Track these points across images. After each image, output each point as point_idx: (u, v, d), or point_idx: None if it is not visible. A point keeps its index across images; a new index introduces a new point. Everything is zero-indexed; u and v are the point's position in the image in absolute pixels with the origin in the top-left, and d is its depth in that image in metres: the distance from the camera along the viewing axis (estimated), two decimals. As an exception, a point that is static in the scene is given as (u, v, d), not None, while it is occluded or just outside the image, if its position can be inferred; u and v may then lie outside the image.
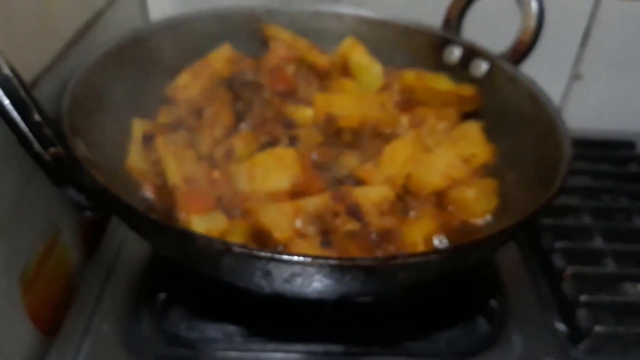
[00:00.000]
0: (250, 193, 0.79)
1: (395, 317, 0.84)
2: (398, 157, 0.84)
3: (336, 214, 0.76)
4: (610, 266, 0.92)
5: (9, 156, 0.69)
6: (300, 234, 0.74)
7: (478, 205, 0.81)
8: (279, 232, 0.74)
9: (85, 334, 0.81)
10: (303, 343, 0.80)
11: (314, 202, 0.76)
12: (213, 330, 0.81)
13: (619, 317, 0.85)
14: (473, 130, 0.89)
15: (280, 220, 0.75)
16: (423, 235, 0.75)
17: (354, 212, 0.77)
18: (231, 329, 0.81)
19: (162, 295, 0.83)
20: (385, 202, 0.78)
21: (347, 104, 0.92)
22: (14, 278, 0.73)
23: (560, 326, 0.86)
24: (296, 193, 0.79)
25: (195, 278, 0.82)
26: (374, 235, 0.77)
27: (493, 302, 0.85)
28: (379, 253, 0.75)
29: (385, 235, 0.77)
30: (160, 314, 0.82)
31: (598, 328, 0.81)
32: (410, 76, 1.00)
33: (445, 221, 0.80)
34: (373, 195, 0.78)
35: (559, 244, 0.93)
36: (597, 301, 0.85)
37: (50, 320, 0.82)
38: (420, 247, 0.74)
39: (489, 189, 0.82)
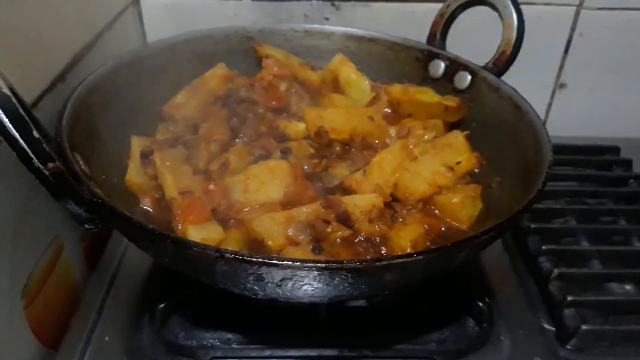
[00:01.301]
0: (245, 204, 0.82)
1: (387, 320, 0.87)
2: (385, 167, 0.87)
3: (327, 222, 0.79)
4: (596, 267, 0.95)
5: (11, 172, 0.72)
6: (293, 242, 0.77)
7: (463, 210, 0.84)
8: (272, 240, 0.77)
9: (86, 345, 0.84)
10: (298, 348, 0.83)
11: (306, 211, 0.79)
12: (211, 338, 0.84)
13: (606, 316, 0.88)
14: (458, 139, 0.92)
15: (273, 229, 0.77)
16: (410, 240, 0.78)
17: (344, 219, 0.79)
18: (228, 336, 0.84)
19: (161, 306, 0.85)
20: (374, 209, 0.81)
21: (337, 118, 0.95)
22: (17, 291, 0.76)
23: (549, 326, 0.88)
24: (289, 203, 0.83)
25: (193, 288, 0.86)
26: (364, 242, 0.80)
27: (482, 304, 0.87)
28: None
29: (375, 241, 0.80)
30: (160, 324, 0.85)
31: (585, 327, 0.83)
32: (396, 90, 1.04)
33: (432, 226, 0.83)
34: (362, 203, 0.81)
35: (545, 247, 0.96)
36: (583, 301, 0.88)
37: (53, 332, 0.85)
38: (408, 251, 0.77)
39: (473, 194, 0.85)
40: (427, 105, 1.01)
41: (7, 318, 0.74)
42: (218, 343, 0.83)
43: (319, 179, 0.90)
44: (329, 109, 0.98)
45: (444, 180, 0.86)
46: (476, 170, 0.92)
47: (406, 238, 0.78)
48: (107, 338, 0.84)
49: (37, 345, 0.81)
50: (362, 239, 0.80)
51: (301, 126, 0.98)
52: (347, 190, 0.88)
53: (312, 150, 0.93)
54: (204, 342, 0.83)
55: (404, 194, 0.86)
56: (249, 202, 0.82)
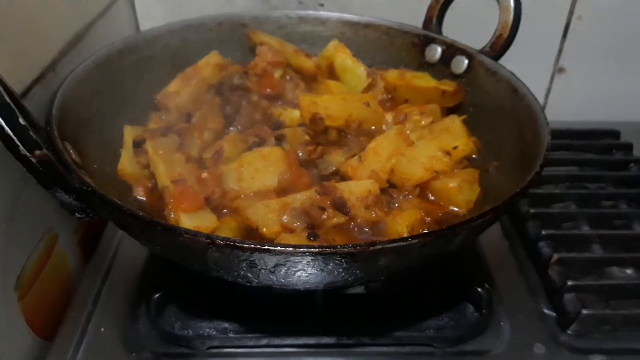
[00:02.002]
0: (239, 192, 0.81)
1: (385, 307, 0.86)
2: (382, 152, 0.86)
3: (322, 209, 0.78)
4: (596, 251, 0.94)
5: (2, 162, 0.71)
6: (288, 229, 0.76)
7: (461, 195, 0.83)
8: (267, 227, 0.76)
9: (82, 336, 0.83)
10: (296, 336, 0.82)
11: (300, 198, 0.78)
12: (207, 327, 0.83)
13: (606, 300, 0.87)
14: (455, 123, 0.91)
15: (267, 217, 0.76)
16: (407, 225, 0.76)
17: (340, 206, 0.78)
18: (225, 325, 0.83)
19: (156, 295, 0.85)
20: (370, 195, 0.80)
21: (332, 104, 0.94)
22: (10, 283, 0.75)
23: (549, 312, 0.87)
24: (283, 190, 0.81)
25: (188, 277, 0.85)
26: (360, 228, 0.79)
27: (481, 290, 0.86)
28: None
29: (371, 228, 0.79)
30: (156, 314, 0.84)
31: (585, 312, 0.82)
32: (392, 75, 1.03)
33: (429, 212, 0.82)
34: (357, 189, 0.80)
35: (545, 232, 0.95)
36: (584, 285, 0.86)
37: (48, 324, 0.84)
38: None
39: (470, 178, 0.84)
40: (424, 90, 1.00)
41: (1, 310, 0.74)
42: (215, 332, 0.82)
43: (314, 165, 0.89)
44: (324, 96, 0.97)
45: (441, 165, 0.85)
46: (474, 155, 0.91)
47: (402, 224, 0.77)
48: (102, 329, 0.84)
49: (32, 337, 0.81)
50: (358, 225, 0.79)
51: (296, 113, 0.97)
52: (343, 177, 0.87)
53: (307, 137, 0.92)
54: (201, 332, 0.82)
55: (400, 180, 0.85)
56: (243, 190, 0.81)
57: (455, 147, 0.88)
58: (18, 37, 0.78)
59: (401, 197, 0.83)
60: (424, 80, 1.01)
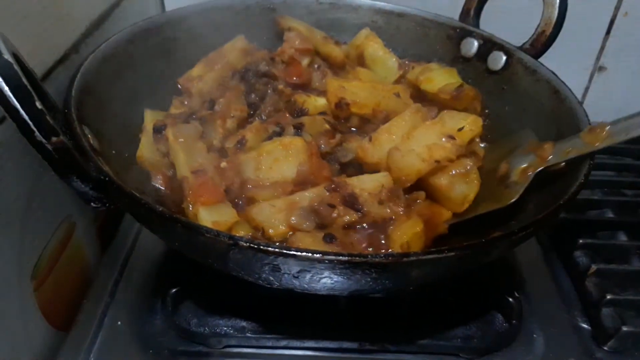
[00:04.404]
0: (256, 181, 0.77)
1: (410, 313, 0.82)
2: (395, 132, 0.80)
3: (332, 206, 0.73)
4: (636, 263, 0.89)
5: (21, 147, 0.68)
6: (297, 230, 0.71)
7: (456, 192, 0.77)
8: (273, 228, 0.71)
9: (98, 329, 0.81)
10: (316, 339, 0.79)
11: (309, 196, 0.74)
12: (224, 325, 0.80)
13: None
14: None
15: (274, 217, 0.72)
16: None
17: (351, 202, 0.73)
18: (242, 324, 0.80)
19: (173, 290, 0.81)
20: (383, 189, 0.75)
21: (361, 91, 0.90)
22: (26, 273, 0.72)
23: (584, 325, 0.83)
24: (302, 182, 0.77)
25: (207, 273, 0.81)
26: (369, 227, 0.74)
27: (511, 299, 0.82)
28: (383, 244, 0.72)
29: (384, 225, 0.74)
30: (172, 309, 0.81)
31: (626, 328, 0.78)
32: (412, 75, 0.99)
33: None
34: (369, 184, 0.75)
35: (582, 240, 0.90)
36: (623, 300, 0.82)
37: (63, 315, 0.81)
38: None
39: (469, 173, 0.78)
40: (432, 95, 0.94)
41: (17, 300, 0.71)
42: (232, 331, 0.79)
43: (333, 155, 0.84)
44: (354, 82, 0.93)
45: (443, 152, 0.77)
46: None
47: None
48: (119, 322, 0.82)
49: (48, 328, 0.78)
50: (371, 222, 0.74)
51: (321, 101, 0.92)
52: (360, 164, 0.83)
53: (326, 126, 0.87)
54: (217, 330, 0.79)
55: (399, 178, 0.77)
56: (260, 180, 0.77)
57: (460, 129, 0.79)
58: (41, 16, 0.75)
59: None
60: (432, 84, 0.95)
